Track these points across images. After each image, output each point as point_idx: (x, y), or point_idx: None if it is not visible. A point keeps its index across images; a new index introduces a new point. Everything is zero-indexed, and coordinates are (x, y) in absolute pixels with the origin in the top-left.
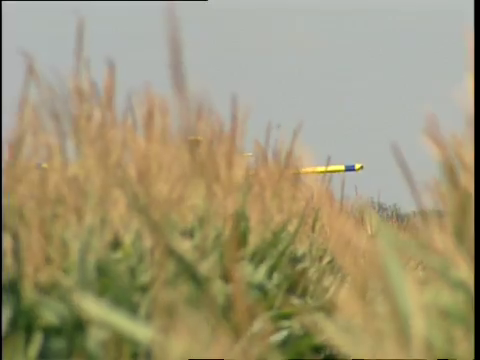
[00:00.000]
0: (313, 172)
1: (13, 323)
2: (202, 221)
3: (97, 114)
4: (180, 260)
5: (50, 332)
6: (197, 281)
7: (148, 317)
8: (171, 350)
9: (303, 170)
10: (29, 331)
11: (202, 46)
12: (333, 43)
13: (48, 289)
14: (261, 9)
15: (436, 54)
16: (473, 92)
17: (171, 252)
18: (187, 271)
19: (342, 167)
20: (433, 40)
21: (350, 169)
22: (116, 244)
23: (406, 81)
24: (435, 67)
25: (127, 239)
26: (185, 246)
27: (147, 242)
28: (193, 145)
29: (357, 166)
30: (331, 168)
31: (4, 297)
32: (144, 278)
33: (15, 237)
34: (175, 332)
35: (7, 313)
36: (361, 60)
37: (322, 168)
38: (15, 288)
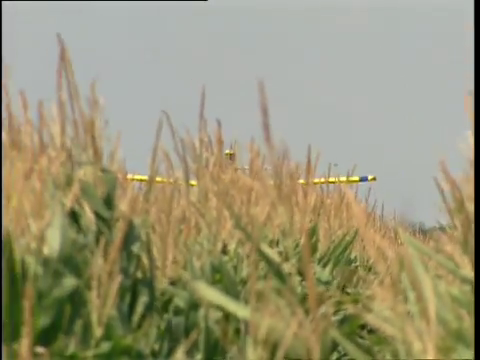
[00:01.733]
0: (331, 182)
1: (148, 306)
2: (285, 234)
3: (210, 157)
4: (269, 262)
5: (175, 312)
6: (281, 277)
7: (246, 302)
8: (262, 325)
9: (323, 180)
10: (160, 312)
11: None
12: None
13: (174, 281)
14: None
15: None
16: (474, 92)
17: (263, 256)
18: (274, 270)
19: (357, 178)
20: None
21: (364, 180)
22: (224, 250)
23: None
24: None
25: (232, 247)
26: (273, 252)
27: (245, 249)
28: (229, 158)
29: (370, 177)
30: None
31: (140, 288)
32: (243, 274)
33: (149, 244)
34: (265, 312)
35: (141, 301)
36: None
37: (341, 179)
38: (149, 281)
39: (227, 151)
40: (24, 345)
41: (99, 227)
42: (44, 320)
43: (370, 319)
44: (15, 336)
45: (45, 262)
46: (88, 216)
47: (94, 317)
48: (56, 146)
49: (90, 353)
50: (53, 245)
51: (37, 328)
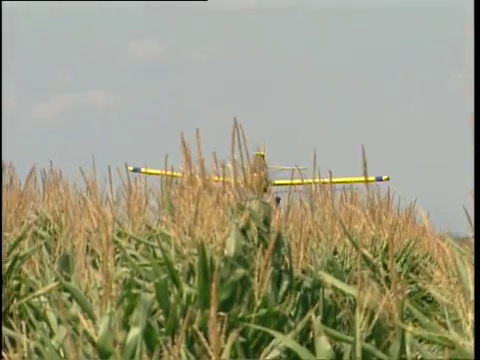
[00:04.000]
0: (348, 181)
1: (289, 286)
2: (374, 241)
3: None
4: (366, 259)
5: (304, 290)
6: (373, 268)
7: (349, 283)
8: (363, 299)
9: (339, 179)
10: (296, 290)
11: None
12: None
13: (304, 271)
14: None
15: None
16: (474, 91)
17: (362, 255)
18: (368, 264)
19: (373, 178)
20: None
21: (379, 179)
22: (335, 252)
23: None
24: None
25: (340, 250)
26: (368, 252)
27: (348, 251)
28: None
29: (384, 177)
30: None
31: (283, 275)
32: (347, 266)
33: (289, 247)
34: (365, 291)
35: (284, 283)
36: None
37: (357, 178)
38: (289, 271)
39: (257, 152)
40: (212, 311)
41: (260, 237)
42: (224, 296)
43: (432, 291)
44: (206, 306)
45: (225, 259)
46: (253, 230)
47: (256, 293)
48: (232, 187)
49: (253, 316)
50: (230, 249)
51: (220, 301)
